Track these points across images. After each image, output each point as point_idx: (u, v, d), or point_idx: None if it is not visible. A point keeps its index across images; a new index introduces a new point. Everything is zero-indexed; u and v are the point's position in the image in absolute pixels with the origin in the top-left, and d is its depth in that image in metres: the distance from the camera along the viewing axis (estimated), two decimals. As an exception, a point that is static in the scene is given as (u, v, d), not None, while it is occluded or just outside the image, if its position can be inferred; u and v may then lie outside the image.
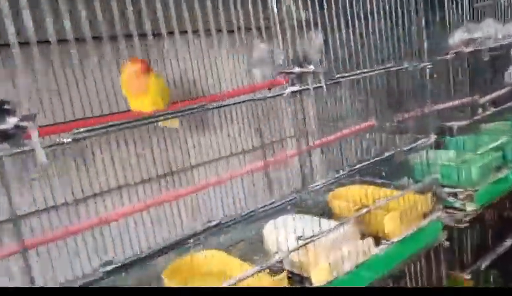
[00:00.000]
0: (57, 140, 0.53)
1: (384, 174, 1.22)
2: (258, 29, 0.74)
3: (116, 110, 1.00)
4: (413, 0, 0.99)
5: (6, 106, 0.47)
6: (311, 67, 0.76)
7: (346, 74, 0.85)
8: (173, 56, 1.02)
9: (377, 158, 1.00)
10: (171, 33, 0.67)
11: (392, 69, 0.96)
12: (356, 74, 0.88)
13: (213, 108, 0.71)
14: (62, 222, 0.69)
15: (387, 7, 0.99)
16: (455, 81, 1.17)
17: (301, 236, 0.82)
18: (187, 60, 1.00)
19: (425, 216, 1.05)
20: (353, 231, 0.92)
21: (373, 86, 1.13)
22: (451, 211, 1.14)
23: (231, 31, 0.72)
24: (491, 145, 1.27)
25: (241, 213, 0.78)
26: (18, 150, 0.48)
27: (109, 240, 0.81)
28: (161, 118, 0.69)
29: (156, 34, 0.65)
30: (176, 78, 1.13)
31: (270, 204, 0.81)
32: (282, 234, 0.84)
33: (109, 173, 0.81)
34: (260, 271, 0.73)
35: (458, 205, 1.14)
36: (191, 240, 0.67)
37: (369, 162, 0.97)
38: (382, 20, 1.01)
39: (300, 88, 0.76)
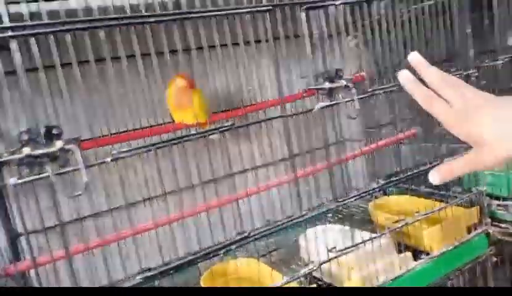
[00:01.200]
0: (99, 158, 0.59)
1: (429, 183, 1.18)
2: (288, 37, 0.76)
3: (162, 121, 1.08)
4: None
5: (54, 131, 0.53)
6: (343, 82, 0.76)
7: (381, 87, 0.84)
8: (215, 68, 1.07)
9: (422, 169, 0.97)
10: (212, 47, 0.72)
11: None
12: (391, 86, 0.86)
13: (248, 124, 0.74)
14: (106, 229, 0.76)
15: (427, 9, 0.96)
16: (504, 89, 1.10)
17: (333, 248, 0.83)
18: (227, 72, 1.04)
19: (470, 229, 1.01)
20: (390, 244, 0.91)
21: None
22: (500, 224, 1.08)
23: (262, 41, 0.74)
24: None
25: (277, 221, 0.80)
26: (64, 170, 0.54)
27: (149, 246, 0.88)
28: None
29: (198, 48, 0.69)
30: (217, 88, 1.18)
31: (307, 212, 0.81)
32: (315, 244, 0.85)
33: (149, 182, 0.87)
34: (289, 281, 0.74)
35: (508, 218, 1.08)
36: (223, 250, 0.70)
37: (412, 173, 0.94)
38: (423, 23, 0.98)
39: (331, 103, 0.77)
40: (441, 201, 1.07)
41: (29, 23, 0.53)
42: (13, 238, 0.92)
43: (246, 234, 0.70)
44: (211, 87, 1.13)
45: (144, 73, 0.63)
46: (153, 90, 0.74)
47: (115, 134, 0.90)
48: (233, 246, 0.69)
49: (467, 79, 0.99)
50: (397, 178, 0.90)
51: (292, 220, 0.76)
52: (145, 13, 0.59)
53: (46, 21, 0.54)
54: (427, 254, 0.93)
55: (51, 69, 0.56)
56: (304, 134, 1.03)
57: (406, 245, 0.96)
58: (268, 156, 1.10)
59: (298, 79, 0.82)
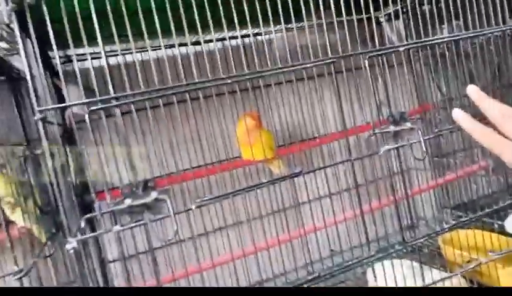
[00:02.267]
0: (185, 207, 0.66)
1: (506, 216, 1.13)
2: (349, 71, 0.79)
3: (231, 156, 1.16)
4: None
5: (150, 184, 0.62)
6: (408, 124, 0.78)
7: (447, 128, 0.84)
8: (280, 103, 1.14)
9: (497, 207, 0.94)
10: (279, 84, 0.79)
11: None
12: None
13: (315, 170, 0.78)
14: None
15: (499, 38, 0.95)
16: None
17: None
18: (292, 106, 1.10)
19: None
20: (463, 284, 0.89)
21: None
22: None
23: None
24: None
25: (345, 262, 0.83)
26: (158, 218, 0.62)
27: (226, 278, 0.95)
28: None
29: (267, 86, 0.76)
30: (282, 122, 1.24)
31: (375, 253, 0.83)
32: (383, 282, 0.86)
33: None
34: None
35: None
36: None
37: (488, 211, 0.92)
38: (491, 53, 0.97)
39: (396, 146, 0.79)
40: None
41: (129, 92, 0.62)
42: (103, 265, 1.04)
43: (316, 275, 0.73)
44: (276, 121, 1.19)
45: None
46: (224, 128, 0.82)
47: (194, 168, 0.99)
48: (304, 286, 0.73)
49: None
50: (468, 218, 0.88)
51: (359, 260, 0.78)
52: (224, 76, 0.67)
53: (143, 89, 0.63)
54: (504, 295, 0.90)
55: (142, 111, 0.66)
56: (371, 168, 1.05)
57: (480, 284, 0.94)
58: (332, 188, 1.13)
59: (362, 113, 0.85)
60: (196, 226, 0.82)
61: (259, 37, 1.13)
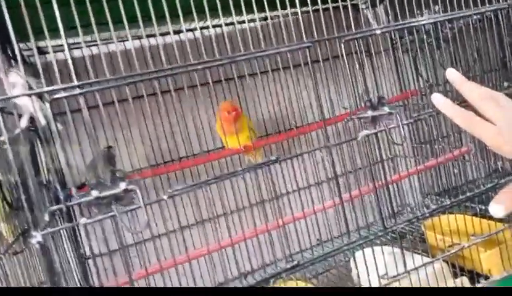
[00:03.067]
0: (157, 197, 0.64)
1: (488, 201, 1.13)
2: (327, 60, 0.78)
3: (213, 147, 1.14)
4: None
5: (118, 174, 0.60)
6: (386, 109, 0.77)
7: (427, 111, 0.83)
8: (258, 94, 1.12)
9: (479, 191, 0.93)
10: (254, 74, 0.77)
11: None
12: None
13: (292, 157, 0.77)
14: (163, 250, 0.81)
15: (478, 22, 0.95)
16: None
17: (385, 274, 0.82)
18: (270, 97, 1.08)
19: (534, 251, 0.95)
20: (445, 268, 0.89)
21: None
22: None
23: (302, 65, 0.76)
24: None
25: (326, 249, 0.81)
26: (128, 209, 0.60)
27: (202, 269, 0.93)
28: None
29: (240, 77, 0.74)
30: (264, 112, 1.22)
31: (355, 240, 0.82)
32: (364, 269, 0.85)
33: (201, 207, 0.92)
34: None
35: None
36: (273, 279, 0.72)
37: (469, 195, 0.91)
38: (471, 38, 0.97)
39: (375, 131, 0.77)
40: (499, 220, 1.02)
41: (93, 80, 0.59)
42: (82, 261, 1.01)
43: (295, 263, 0.72)
44: (255, 112, 1.17)
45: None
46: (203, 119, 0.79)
47: (169, 162, 0.97)
48: (283, 275, 0.71)
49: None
50: (449, 203, 0.87)
51: (340, 248, 0.77)
52: (195, 61, 0.65)
53: (108, 77, 0.60)
54: (486, 278, 0.90)
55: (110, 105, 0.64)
56: (351, 154, 1.04)
57: (462, 268, 0.93)
58: (312, 179, 1.11)
59: (341, 100, 0.83)
60: (171, 220, 0.81)
61: (231, 27, 1.11)
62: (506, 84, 1.02)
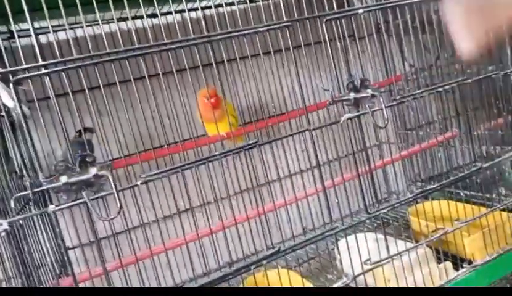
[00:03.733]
0: (131, 183, 0.62)
1: (472, 186, 1.13)
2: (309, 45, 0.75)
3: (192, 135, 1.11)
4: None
5: (88, 159, 0.57)
6: (369, 91, 0.75)
7: (410, 94, 0.81)
8: (245, 78, 1.09)
9: (462, 174, 0.93)
10: (232, 60, 0.74)
11: (467, 81, 0.89)
12: (422, 92, 0.83)
13: (272, 141, 0.74)
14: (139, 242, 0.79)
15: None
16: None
17: (367, 260, 0.81)
18: (257, 81, 1.05)
19: (517, 235, 0.95)
20: (428, 253, 0.88)
21: (455, 95, 1.06)
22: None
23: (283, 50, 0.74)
24: None
25: (308, 235, 0.80)
26: (99, 195, 0.57)
27: (180, 260, 0.91)
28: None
29: (219, 62, 0.71)
30: (248, 98, 1.19)
31: (337, 226, 0.80)
32: (347, 256, 0.84)
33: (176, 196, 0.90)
34: None
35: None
36: (254, 266, 0.70)
37: (455, 178, 0.90)
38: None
39: (357, 114, 0.76)
40: (483, 205, 1.02)
41: (60, 59, 0.56)
42: (61, 252, 0.98)
43: (276, 250, 0.70)
44: (236, 99, 1.14)
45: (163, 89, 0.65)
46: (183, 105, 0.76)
47: (147, 150, 0.94)
48: (264, 262, 0.69)
49: (505, 79, 0.94)
50: (433, 187, 0.86)
51: (322, 234, 0.76)
52: (168, 41, 0.62)
53: (75, 56, 0.57)
54: (470, 262, 0.90)
55: (80, 93, 0.61)
56: (336, 140, 1.02)
57: (446, 253, 0.93)
58: (297, 166, 1.10)
59: (323, 85, 0.81)
60: (146, 209, 0.78)
61: (208, 11, 1.08)
62: (490, 67, 1.01)
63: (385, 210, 0.80)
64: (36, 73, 0.54)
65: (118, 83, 0.62)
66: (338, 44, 0.85)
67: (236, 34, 0.66)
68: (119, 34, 0.61)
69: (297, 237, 0.82)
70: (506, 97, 1.00)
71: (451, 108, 1.06)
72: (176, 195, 0.70)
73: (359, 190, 0.84)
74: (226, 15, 0.70)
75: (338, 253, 0.94)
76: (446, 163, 1.14)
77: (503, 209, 0.97)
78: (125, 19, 0.91)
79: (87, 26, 0.64)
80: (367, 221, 1.17)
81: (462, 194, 1.12)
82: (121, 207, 0.57)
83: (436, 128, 1.25)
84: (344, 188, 0.92)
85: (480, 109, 1.08)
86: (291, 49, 0.72)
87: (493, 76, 0.96)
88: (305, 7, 0.72)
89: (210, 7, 1.05)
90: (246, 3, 0.72)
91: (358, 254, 0.81)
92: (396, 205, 0.83)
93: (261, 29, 0.67)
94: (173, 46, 0.62)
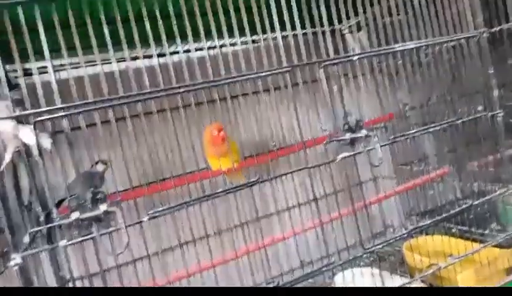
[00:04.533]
0: (137, 219, 0.65)
1: (466, 221, 1.16)
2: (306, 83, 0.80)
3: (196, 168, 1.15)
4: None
5: (99, 196, 0.60)
6: (363, 132, 0.79)
7: (403, 134, 0.86)
8: (246, 114, 1.14)
9: (453, 211, 0.96)
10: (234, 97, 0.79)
11: (457, 121, 0.94)
12: (415, 132, 0.88)
13: (272, 178, 0.78)
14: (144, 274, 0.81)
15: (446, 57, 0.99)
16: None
17: None
18: (258, 117, 1.10)
19: (510, 271, 0.98)
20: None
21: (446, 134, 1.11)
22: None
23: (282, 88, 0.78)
24: None
25: (312, 263, 0.82)
26: (108, 231, 0.60)
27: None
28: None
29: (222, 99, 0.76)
30: (249, 134, 1.24)
31: (334, 261, 0.83)
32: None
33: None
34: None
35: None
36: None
37: (444, 216, 0.94)
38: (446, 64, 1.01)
39: (352, 154, 0.80)
40: (476, 241, 1.05)
41: (78, 103, 0.61)
42: (62, 283, 1.00)
43: (275, 285, 0.72)
44: (238, 134, 1.19)
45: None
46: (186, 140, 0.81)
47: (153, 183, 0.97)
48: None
49: (492, 120, 0.99)
50: (426, 223, 0.90)
51: (319, 269, 0.78)
52: (176, 85, 0.67)
53: (91, 99, 0.62)
54: (464, 298, 0.91)
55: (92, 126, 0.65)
56: (333, 175, 1.06)
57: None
58: (295, 199, 1.13)
59: (320, 123, 0.86)
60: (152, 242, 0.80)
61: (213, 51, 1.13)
62: (480, 107, 1.06)
63: (380, 246, 0.83)
64: (57, 115, 0.59)
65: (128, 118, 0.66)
66: (335, 85, 0.91)
67: (239, 78, 0.70)
68: (130, 72, 0.66)
69: (295, 270, 0.84)
70: (494, 136, 1.05)
71: (444, 145, 1.11)
72: (181, 228, 0.73)
73: (356, 225, 0.87)
74: (231, 56, 0.76)
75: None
76: (440, 199, 1.18)
77: (496, 246, 1.00)
78: (136, 58, 0.97)
79: (101, 64, 0.68)
80: (367, 256, 1.20)
81: (455, 230, 1.16)
82: (128, 243, 0.60)
83: (429, 164, 1.30)
84: (341, 222, 0.95)
85: (471, 147, 1.13)
86: (290, 88, 0.77)
87: (481, 116, 1.00)
88: (303, 51, 0.78)
89: (214, 47, 1.11)
90: (247, 44, 0.77)
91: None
92: (391, 241, 0.86)
93: (262, 74, 0.72)
94: (181, 90, 0.67)
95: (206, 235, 0.83)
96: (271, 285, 0.74)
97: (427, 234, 1.19)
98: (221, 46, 0.74)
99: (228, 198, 0.85)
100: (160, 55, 1.08)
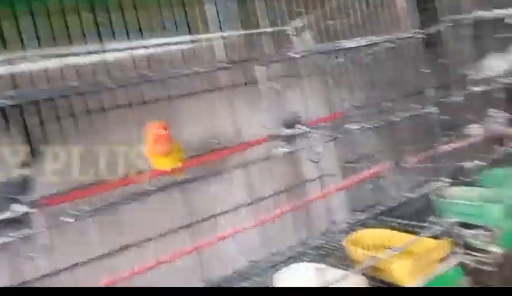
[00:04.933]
0: (61, 219, 0.61)
1: (406, 215, 1.21)
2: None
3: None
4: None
5: (18, 197, 0.56)
6: (303, 127, 0.80)
7: (341, 131, 0.88)
8: (187, 114, 1.12)
9: (391, 205, 0.99)
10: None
11: (394, 118, 0.97)
12: (354, 129, 0.90)
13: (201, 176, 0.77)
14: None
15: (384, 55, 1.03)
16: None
17: (304, 289, 0.84)
18: (195, 118, 1.09)
19: (443, 261, 1.02)
20: (361, 281, 0.92)
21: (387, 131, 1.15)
22: (475, 254, 1.09)
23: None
24: (518, 181, 1.21)
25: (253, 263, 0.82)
26: (26, 234, 0.56)
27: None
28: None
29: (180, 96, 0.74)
30: (192, 134, 1.22)
31: (273, 257, 0.83)
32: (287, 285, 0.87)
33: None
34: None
35: (481, 246, 1.10)
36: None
37: (378, 210, 0.97)
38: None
39: (290, 150, 0.80)
40: (416, 234, 1.09)
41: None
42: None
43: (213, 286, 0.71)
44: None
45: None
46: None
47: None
48: (199, 296, 0.70)
49: (427, 116, 1.04)
50: (364, 218, 0.92)
51: (258, 267, 0.78)
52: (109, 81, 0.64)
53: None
54: (401, 288, 0.95)
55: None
56: (276, 174, 1.06)
57: (381, 281, 0.98)
58: (239, 199, 1.12)
59: (262, 122, 0.86)
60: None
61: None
62: (416, 106, 1.10)
63: (323, 242, 0.84)
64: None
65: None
66: (277, 84, 0.91)
67: (177, 75, 0.69)
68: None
69: (238, 270, 0.84)
70: (430, 133, 1.09)
71: (387, 143, 1.15)
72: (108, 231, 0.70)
73: (299, 222, 0.88)
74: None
75: (278, 283, 0.96)
76: (380, 194, 1.22)
77: (432, 237, 1.05)
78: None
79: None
80: (312, 252, 1.22)
81: (396, 223, 1.20)
82: (49, 245, 0.56)
83: (372, 161, 1.34)
84: (285, 220, 0.96)
85: (410, 144, 1.18)
86: (237, 87, 0.76)
87: (417, 114, 1.05)
88: (246, 49, 0.77)
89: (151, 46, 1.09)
90: (190, 43, 0.76)
91: (296, 285, 0.84)
92: (329, 235, 0.87)
93: (201, 70, 0.71)
94: (113, 85, 0.64)
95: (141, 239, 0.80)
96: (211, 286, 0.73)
97: (369, 228, 1.22)
98: (157, 45, 0.73)
99: (166, 199, 0.83)
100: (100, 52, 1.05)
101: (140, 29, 0.70)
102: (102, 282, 0.71)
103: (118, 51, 1.02)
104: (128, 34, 0.68)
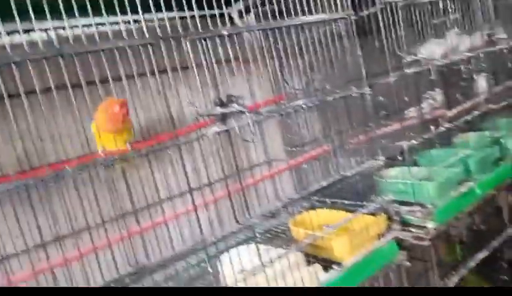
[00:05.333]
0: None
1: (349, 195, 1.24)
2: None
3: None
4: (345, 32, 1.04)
5: None
6: (235, 106, 0.79)
7: (272, 109, 0.88)
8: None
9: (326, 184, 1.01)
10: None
11: (329, 99, 0.99)
12: (287, 108, 0.90)
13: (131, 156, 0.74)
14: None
15: (322, 39, 1.04)
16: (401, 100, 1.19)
17: (243, 270, 0.84)
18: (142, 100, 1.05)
19: (380, 237, 1.06)
20: (299, 259, 0.94)
21: (324, 113, 1.16)
22: (411, 229, 1.14)
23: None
24: (452, 160, 1.27)
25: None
26: None
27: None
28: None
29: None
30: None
31: (212, 240, 0.82)
32: (229, 267, 0.86)
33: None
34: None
35: (417, 222, 1.14)
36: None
37: (313, 190, 0.98)
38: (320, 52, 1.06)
39: (223, 129, 0.79)
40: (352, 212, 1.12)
41: None
42: None
43: (141, 267, 0.70)
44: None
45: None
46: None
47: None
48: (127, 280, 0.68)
49: (362, 97, 1.06)
50: (300, 197, 0.93)
51: (193, 249, 0.77)
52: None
53: None
54: (339, 264, 0.97)
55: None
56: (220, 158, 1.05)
57: (321, 258, 1.00)
58: (182, 184, 1.10)
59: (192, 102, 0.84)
60: None
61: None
62: (352, 88, 1.12)
63: (256, 221, 0.84)
64: None
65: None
66: (215, 65, 0.89)
67: (93, 49, 0.66)
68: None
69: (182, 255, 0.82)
70: (370, 116, 1.12)
71: (329, 126, 1.17)
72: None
73: (246, 206, 0.87)
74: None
75: (223, 265, 0.95)
76: (322, 175, 1.24)
77: (370, 214, 1.08)
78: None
79: None
80: (260, 236, 1.22)
81: (341, 204, 1.23)
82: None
83: (316, 144, 1.36)
84: (230, 204, 0.95)
85: (348, 126, 1.21)
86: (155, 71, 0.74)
87: (352, 95, 1.07)
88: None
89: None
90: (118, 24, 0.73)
91: (238, 266, 0.84)
92: (267, 215, 0.87)
93: (120, 44, 0.68)
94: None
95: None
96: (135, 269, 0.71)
97: (313, 209, 1.24)
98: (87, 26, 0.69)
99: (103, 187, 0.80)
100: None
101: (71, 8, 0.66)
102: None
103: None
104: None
